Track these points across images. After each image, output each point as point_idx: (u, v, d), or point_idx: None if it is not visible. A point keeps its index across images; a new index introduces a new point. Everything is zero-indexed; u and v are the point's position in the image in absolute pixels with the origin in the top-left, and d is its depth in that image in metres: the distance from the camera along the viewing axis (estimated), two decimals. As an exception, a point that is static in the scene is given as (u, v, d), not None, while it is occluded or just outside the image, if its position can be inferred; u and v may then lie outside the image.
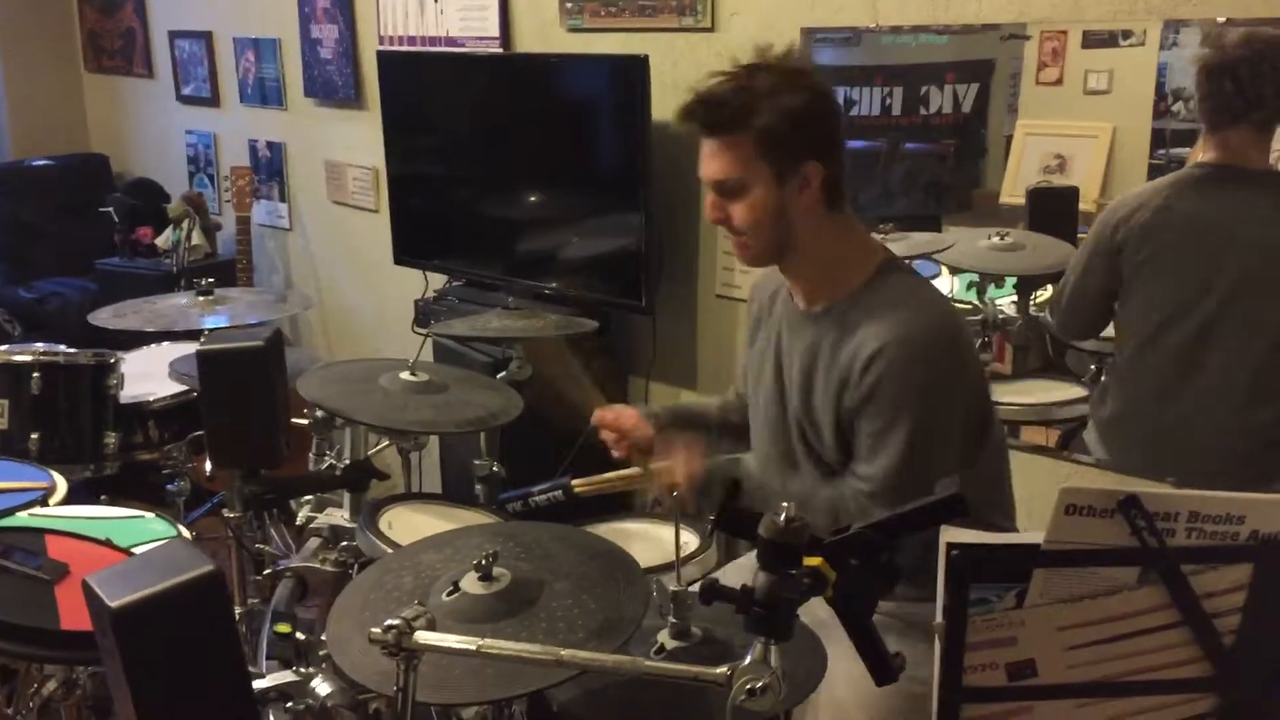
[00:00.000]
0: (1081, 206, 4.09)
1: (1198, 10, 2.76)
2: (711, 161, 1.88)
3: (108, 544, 2.26)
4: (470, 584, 1.60)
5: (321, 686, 1.99)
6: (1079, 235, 3.74)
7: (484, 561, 1.58)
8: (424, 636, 1.34)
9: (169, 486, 3.54)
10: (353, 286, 4.83)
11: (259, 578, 2.50)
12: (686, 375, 3.64)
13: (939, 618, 1.22)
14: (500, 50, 3.89)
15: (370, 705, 2.06)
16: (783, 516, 1.26)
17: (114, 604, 1.44)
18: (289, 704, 2.00)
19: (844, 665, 1.66)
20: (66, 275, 5.33)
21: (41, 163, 5.62)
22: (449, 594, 1.60)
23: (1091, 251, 2.73)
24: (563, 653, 1.31)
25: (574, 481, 2.80)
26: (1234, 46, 2.49)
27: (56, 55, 5.92)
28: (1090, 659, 1.21)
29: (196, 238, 4.92)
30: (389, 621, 1.35)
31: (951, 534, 1.19)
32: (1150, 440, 2.58)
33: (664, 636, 1.72)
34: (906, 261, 2.08)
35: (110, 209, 5.03)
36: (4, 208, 5.53)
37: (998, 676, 1.21)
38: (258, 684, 2.03)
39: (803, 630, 1.75)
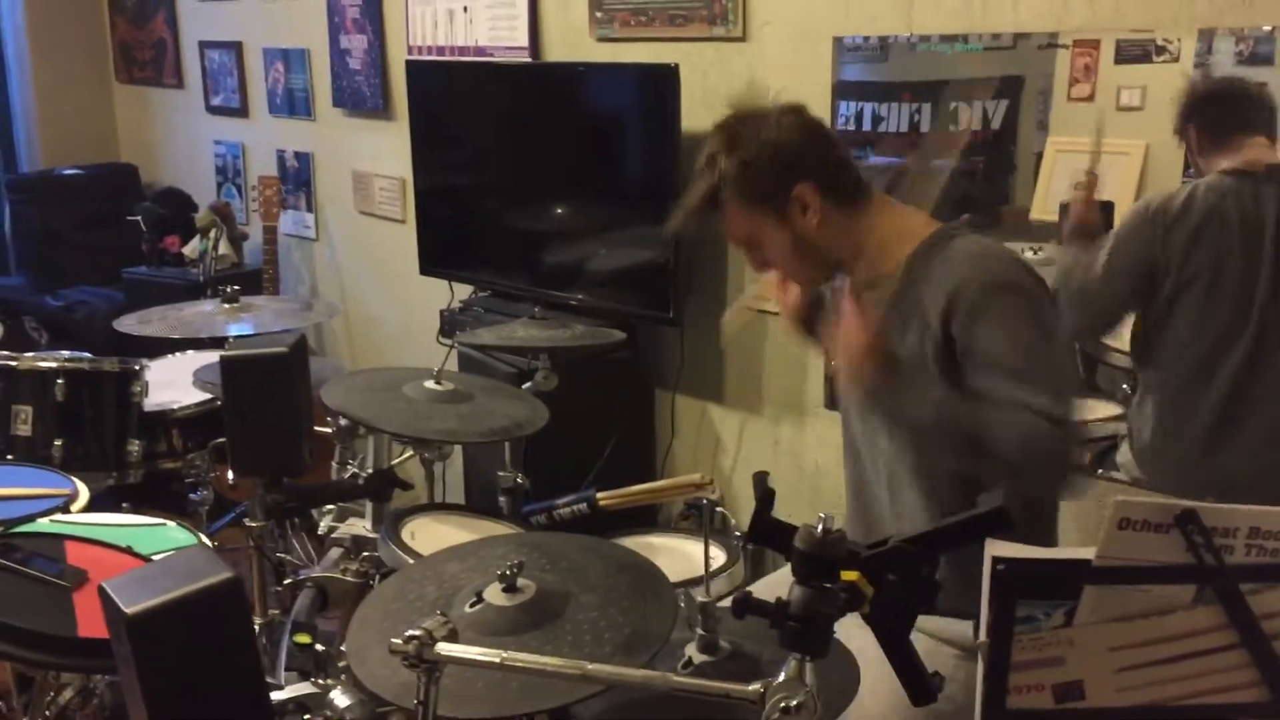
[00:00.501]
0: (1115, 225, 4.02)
1: (1238, 19, 2.71)
2: (725, 228, 1.99)
3: (128, 551, 2.23)
4: (494, 595, 1.56)
5: (340, 699, 1.95)
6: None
7: (509, 572, 1.54)
8: (446, 648, 1.30)
9: (192, 495, 3.53)
10: (378, 297, 4.81)
11: (279, 588, 2.46)
12: (714, 389, 3.59)
13: (982, 635, 1.16)
14: (529, 60, 3.86)
15: (390, 718, 2.02)
16: (820, 527, 1.21)
17: (130, 610, 1.41)
18: (307, 716, 1.96)
19: (872, 681, 1.61)
20: (94, 284, 5.34)
21: (71, 172, 5.63)
22: (472, 605, 1.55)
23: (1133, 245, 2.63)
24: (589, 667, 1.27)
25: (599, 494, 2.77)
26: (1202, 83, 2.54)
27: (88, 66, 5.94)
28: (1142, 681, 1.16)
29: (223, 247, 4.91)
30: (410, 632, 1.31)
31: (998, 548, 1.14)
32: (1195, 468, 2.52)
33: (691, 650, 1.67)
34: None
35: (139, 218, 5.03)
36: (33, 216, 5.55)
37: (1044, 699, 1.16)
38: (276, 695, 1.99)
39: (835, 644, 1.70)
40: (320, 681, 1.78)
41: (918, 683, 1.31)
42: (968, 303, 1.79)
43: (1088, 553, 1.13)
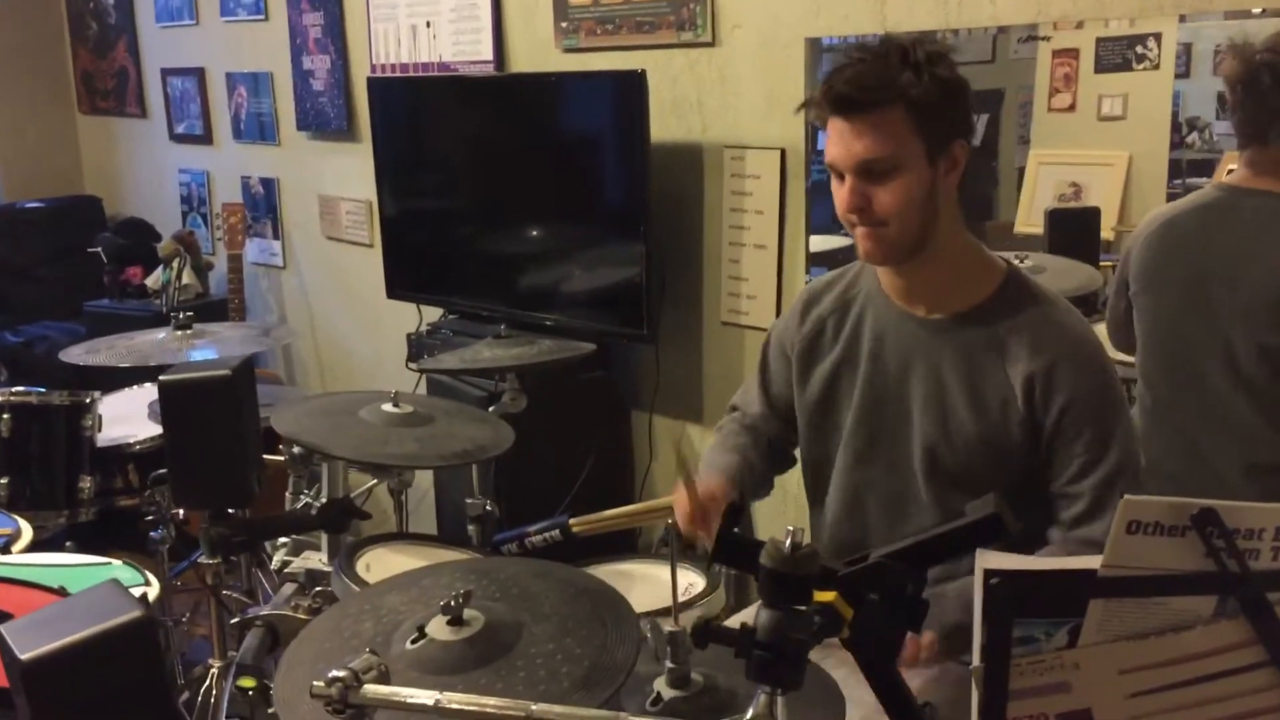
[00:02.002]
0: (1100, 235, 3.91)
1: (1216, 2, 2.59)
2: (857, 141, 1.68)
3: (60, 592, 2.08)
4: (438, 629, 1.41)
5: (264, 750, 1.78)
6: (1102, 261, 3.56)
7: (453, 603, 1.39)
8: (373, 690, 1.15)
9: (152, 534, 3.36)
10: (347, 323, 4.66)
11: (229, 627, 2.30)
12: (692, 407, 3.45)
13: (976, 659, 1.02)
14: (493, 73, 3.74)
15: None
16: (788, 541, 1.07)
17: (26, 656, 1.26)
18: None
19: (863, 713, 1.47)
20: (57, 318, 5.19)
21: (32, 205, 5.49)
22: (414, 641, 1.40)
23: (1117, 274, 2.54)
24: (534, 708, 1.12)
25: (572, 520, 2.63)
26: (1255, 52, 2.28)
27: (50, 98, 5.82)
28: (1157, 708, 1.02)
29: (187, 277, 4.77)
30: (333, 673, 1.16)
31: (990, 560, 1.00)
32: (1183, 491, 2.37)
33: (660, 685, 1.53)
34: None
35: (99, 249, 4.88)
36: (-6, 251, 5.42)
37: (1048, 730, 1.02)
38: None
39: (816, 674, 1.56)
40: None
41: (906, 715, 1.17)
42: (1066, 385, 1.70)
43: (1093, 562, 0.98)
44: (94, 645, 1.25)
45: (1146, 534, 0.96)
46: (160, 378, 2.18)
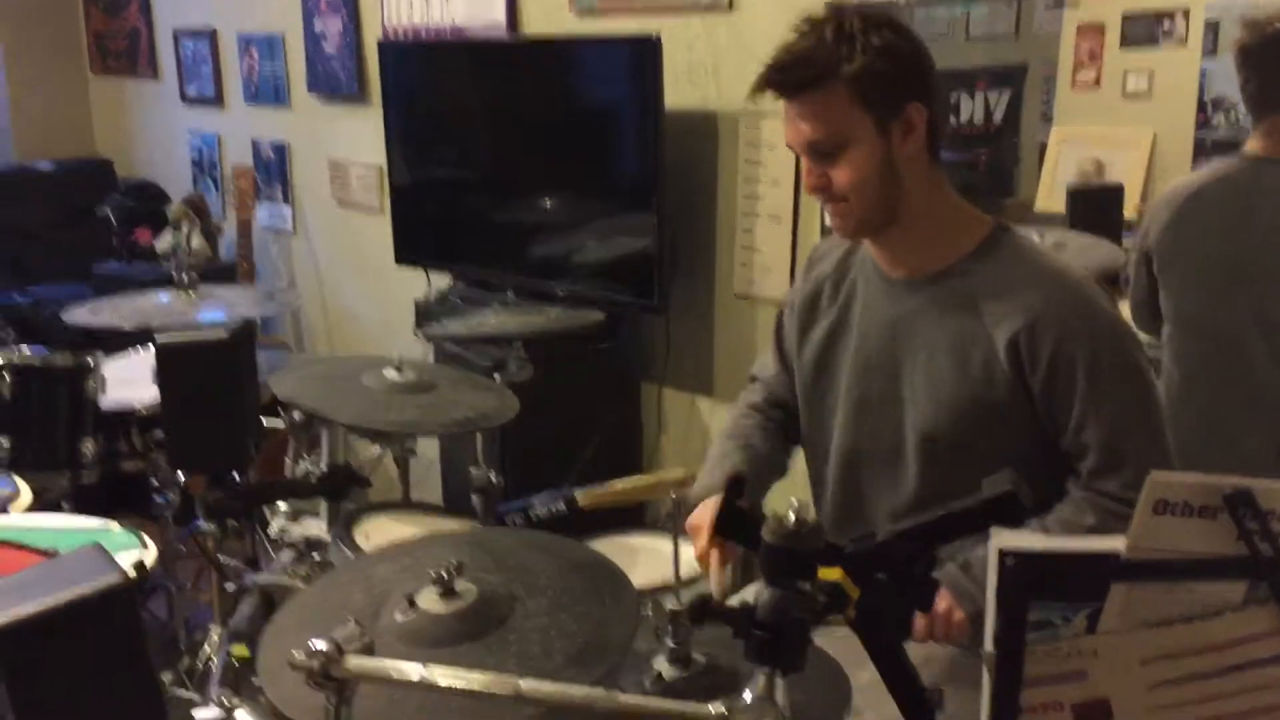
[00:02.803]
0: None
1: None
2: (802, 123, 1.64)
3: (51, 555, 2.04)
4: (429, 601, 1.36)
5: (245, 723, 1.71)
6: (1124, 241, 3.49)
7: (445, 574, 1.34)
8: (356, 664, 1.10)
9: (157, 499, 3.33)
10: (356, 290, 4.62)
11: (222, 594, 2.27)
12: (702, 380, 3.39)
13: (988, 645, 0.96)
14: (505, 37, 3.68)
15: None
16: (792, 516, 1.01)
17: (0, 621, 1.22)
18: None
19: (870, 699, 1.41)
20: (66, 280, 5.15)
21: (43, 166, 5.45)
22: (403, 612, 1.35)
23: (1137, 250, 2.47)
24: (522, 684, 1.07)
25: (577, 492, 2.58)
26: (1269, 23, 2.22)
27: (62, 58, 5.77)
28: (1181, 699, 0.96)
29: (196, 241, 4.68)
30: (315, 644, 1.11)
31: (1005, 539, 0.94)
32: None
33: (660, 663, 1.48)
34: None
35: (108, 211, 4.84)
36: (4, 212, 5.37)
37: (1063, 720, 0.96)
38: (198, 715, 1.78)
39: (820, 657, 1.50)
40: (225, 703, 1.57)
41: (913, 700, 1.11)
42: (1051, 338, 1.62)
43: (1116, 543, 0.92)
44: (72, 610, 1.20)
45: (1174, 515, 0.90)
46: (157, 339, 2.13)
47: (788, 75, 1.63)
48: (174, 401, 2.13)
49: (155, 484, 3.32)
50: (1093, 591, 0.94)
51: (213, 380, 2.12)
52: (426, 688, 1.10)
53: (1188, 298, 2.27)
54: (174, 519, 3.35)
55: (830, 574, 1.10)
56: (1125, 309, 2.43)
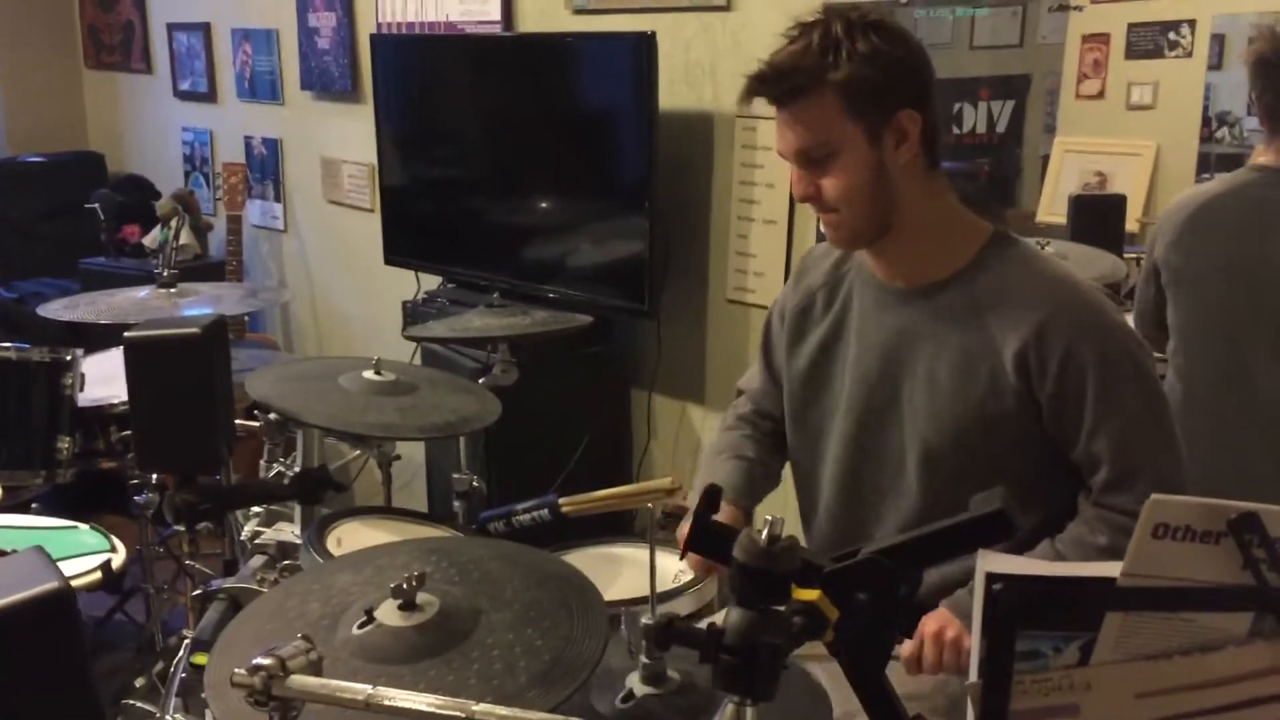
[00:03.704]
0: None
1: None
2: (790, 131, 1.60)
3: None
4: (388, 614, 1.29)
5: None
6: (1126, 253, 3.42)
7: (405, 586, 1.27)
8: (300, 682, 1.04)
9: (137, 499, 3.26)
10: (347, 289, 4.55)
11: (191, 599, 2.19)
12: (694, 387, 3.32)
13: (973, 675, 0.90)
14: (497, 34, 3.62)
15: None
16: (764, 533, 0.95)
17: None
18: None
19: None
20: (55, 275, 5.09)
21: (33, 159, 5.38)
22: (360, 625, 1.28)
23: (1145, 262, 2.41)
24: (476, 708, 1.00)
25: (561, 500, 2.52)
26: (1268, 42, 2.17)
27: (56, 51, 5.70)
28: (1179, 737, 0.89)
29: (185, 237, 4.64)
30: (257, 660, 1.04)
31: (992, 562, 0.87)
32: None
33: (634, 680, 1.41)
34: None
35: (96, 205, 4.77)
36: (-8, 205, 5.31)
37: (1052, 757, 0.89)
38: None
39: (801, 679, 1.44)
40: (175, 717, 1.50)
41: (893, 730, 1.05)
42: (1061, 347, 1.56)
43: (1111, 569, 0.86)
44: (5, 617, 1.14)
45: (1175, 539, 0.83)
46: (126, 333, 2.06)
47: (774, 83, 1.58)
48: (142, 398, 2.05)
49: (135, 483, 3.26)
50: (1086, 620, 0.87)
51: (183, 377, 2.05)
52: (372, 709, 1.03)
53: (1195, 310, 2.21)
54: (153, 519, 3.29)
55: (808, 594, 1.03)
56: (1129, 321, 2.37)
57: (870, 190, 1.60)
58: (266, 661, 1.04)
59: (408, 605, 1.29)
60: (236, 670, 1.04)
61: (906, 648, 1.50)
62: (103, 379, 3.34)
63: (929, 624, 1.52)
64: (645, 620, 1.39)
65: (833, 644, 1.06)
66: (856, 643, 1.05)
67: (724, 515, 1.74)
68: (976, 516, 1.04)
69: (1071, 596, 0.87)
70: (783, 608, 0.96)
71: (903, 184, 1.61)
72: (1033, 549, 1.58)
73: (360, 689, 1.03)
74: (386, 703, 1.02)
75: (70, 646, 1.20)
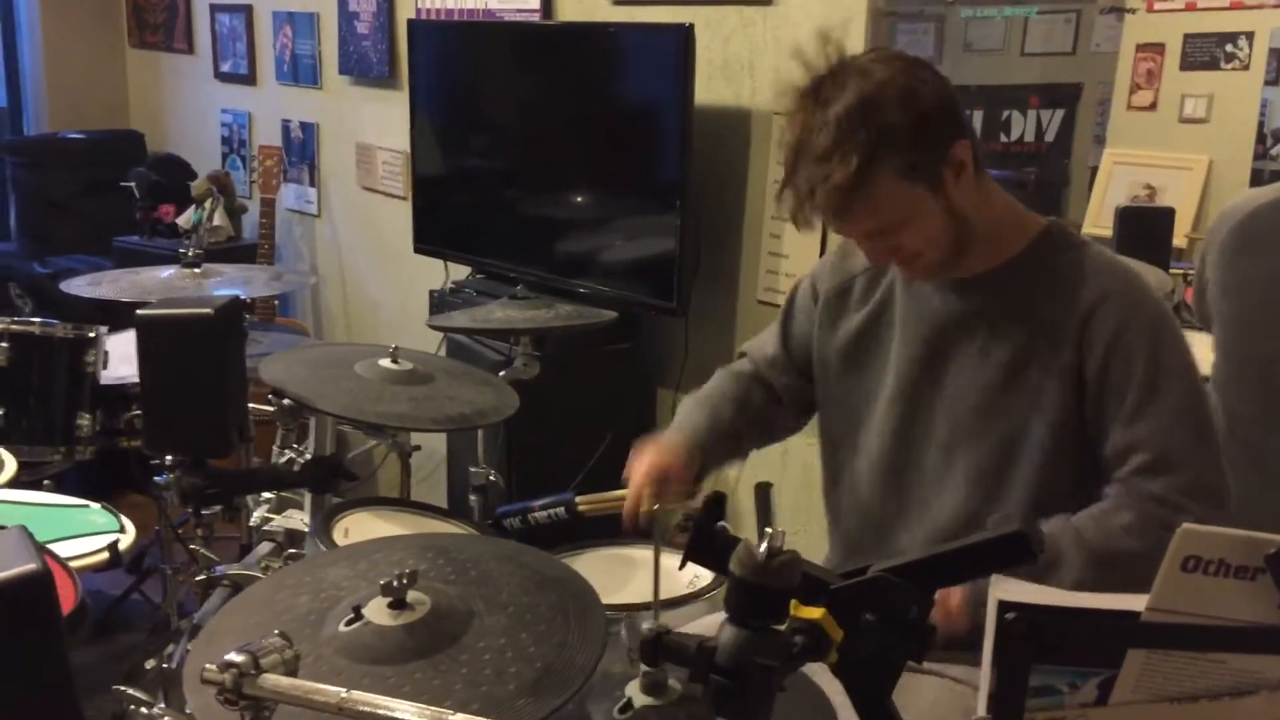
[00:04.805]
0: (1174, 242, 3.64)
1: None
2: (855, 224, 1.58)
3: (12, 533, 1.94)
4: (377, 612, 1.24)
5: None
6: (1173, 269, 3.31)
7: (395, 583, 1.22)
8: (272, 682, 0.99)
9: (157, 478, 3.24)
10: (377, 277, 4.52)
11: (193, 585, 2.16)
12: (720, 388, 3.26)
13: (981, 709, 0.83)
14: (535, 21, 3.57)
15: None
16: (763, 546, 0.89)
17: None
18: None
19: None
20: (90, 252, 5.09)
21: (74, 136, 5.39)
22: (348, 623, 1.24)
23: (1196, 278, 2.32)
24: (453, 718, 0.95)
25: (578, 498, 2.47)
26: None
27: (101, 29, 5.71)
28: (1203, 786, 0.82)
29: (219, 219, 4.64)
30: (229, 657, 0.99)
31: (1006, 589, 0.81)
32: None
33: (633, 690, 1.35)
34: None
35: (132, 184, 4.76)
36: (31, 181, 5.32)
37: (1064, 802, 0.83)
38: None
39: (806, 687, 1.37)
40: (148, 711, 1.45)
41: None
42: (1111, 324, 1.52)
43: (1135, 601, 0.79)
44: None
45: (1207, 573, 0.77)
46: (138, 312, 2.03)
47: (831, 211, 1.53)
48: (153, 378, 2.02)
49: (155, 463, 3.24)
50: (1106, 656, 0.81)
51: (195, 358, 2.02)
52: (347, 713, 0.98)
53: (1243, 325, 2.12)
54: (175, 500, 3.27)
55: (811, 612, 0.97)
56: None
57: (946, 232, 1.58)
58: (239, 659, 0.99)
59: (398, 603, 1.24)
60: (207, 666, 1.00)
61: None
62: (126, 357, 3.32)
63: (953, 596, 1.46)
64: (646, 626, 1.34)
65: (836, 666, 1.00)
66: (861, 666, 0.99)
67: (675, 457, 1.71)
68: (994, 537, 0.97)
69: (1091, 630, 0.80)
70: (780, 627, 0.90)
71: (969, 208, 1.58)
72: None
73: (334, 691, 0.98)
74: (361, 707, 0.97)
75: (45, 631, 1.16)
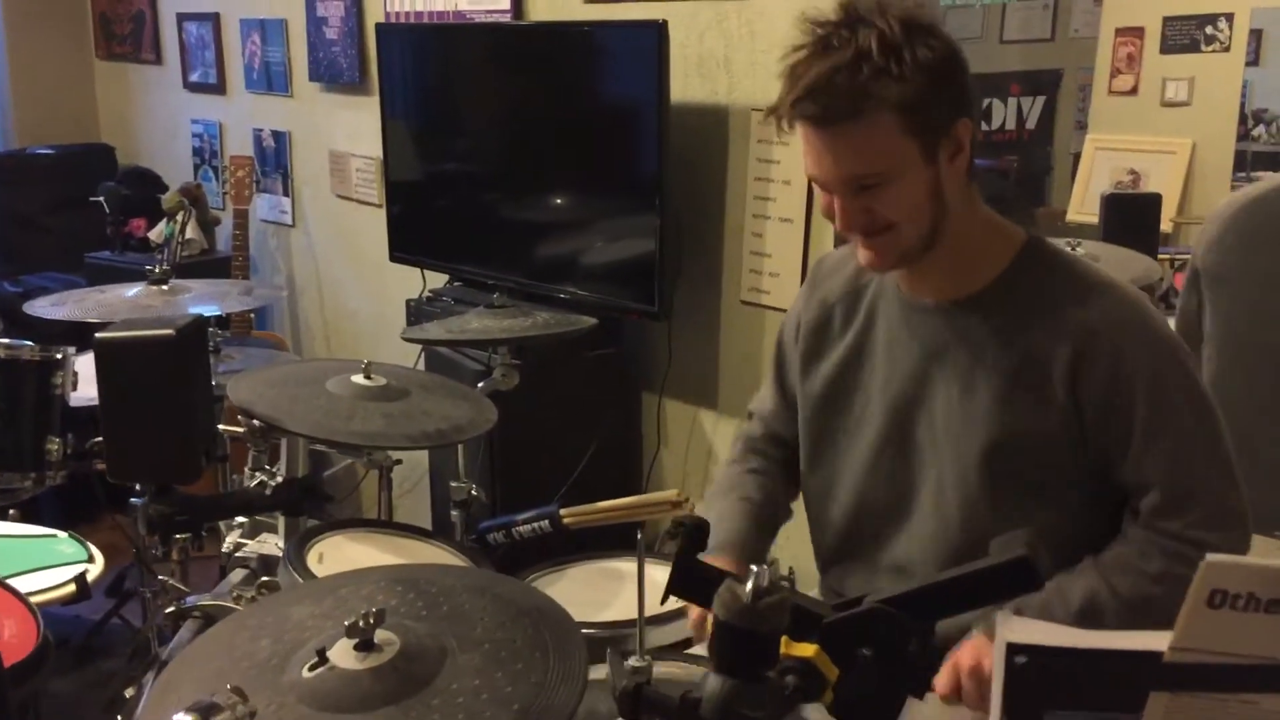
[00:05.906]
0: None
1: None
2: (832, 156, 1.44)
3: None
4: (343, 655, 1.16)
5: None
6: (1160, 255, 3.25)
7: (361, 624, 1.15)
8: (224, 741, 0.91)
9: (133, 501, 3.15)
10: (355, 287, 4.44)
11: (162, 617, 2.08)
12: (706, 391, 3.19)
13: (992, 758, 0.76)
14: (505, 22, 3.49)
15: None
16: (749, 586, 0.82)
17: None
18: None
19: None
20: (61, 269, 5.00)
21: (43, 151, 5.30)
22: (312, 667, 1.16)
23: (1189, 267, 2.27)
24: (419, 777, 0.87)
25: (563, 511, 2.40)
26: None
27: (67, 41, 5.61)
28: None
29: (191, 232, 4.55)
30: (178, 715, 0.92)
31: (1015, 629, 0.74)
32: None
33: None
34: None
35: (101, 199, 4.67)
36: (0, 198, 5.22)
37: None
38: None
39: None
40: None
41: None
42: (1109, 353, 1.45)
43: (1157, 640, 0.72)
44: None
45: (1234, 609, 0.70)
46: (96, 334, 1.95)
47: (824, 101, 1.41)
48: (113, 404, 1.94)
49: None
50: (1126, 700, 0.74)
51: (157, 381, 1.94)
52: (306, 775, 0.91)
53: (1236, 316, 2.06)
54: (142, 528, 3.19)
55: (803, 649, 0.91)
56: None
57: (928, 207, 1.47)
58: (187, 718, 0.92)
59: (364, 645, 1.16)
60: (154, 728, 0.92)
61: (941, 679, 1.35)
62: (94, 378, 3.24)
63: (964, 657, 1.37)
64: (636, 660, 1.27)
65: (833, 706, 0.93)
66: (859, 707, 0.92)
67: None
68: (997, 564, 0.91)
69: (1109, 673, 0.73)
70: (769, 674, 0.83)
71: (953, 198, 1.49)
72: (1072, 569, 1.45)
73: (291, 752, 0.91)
74: (318, 769, 0.89)
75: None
